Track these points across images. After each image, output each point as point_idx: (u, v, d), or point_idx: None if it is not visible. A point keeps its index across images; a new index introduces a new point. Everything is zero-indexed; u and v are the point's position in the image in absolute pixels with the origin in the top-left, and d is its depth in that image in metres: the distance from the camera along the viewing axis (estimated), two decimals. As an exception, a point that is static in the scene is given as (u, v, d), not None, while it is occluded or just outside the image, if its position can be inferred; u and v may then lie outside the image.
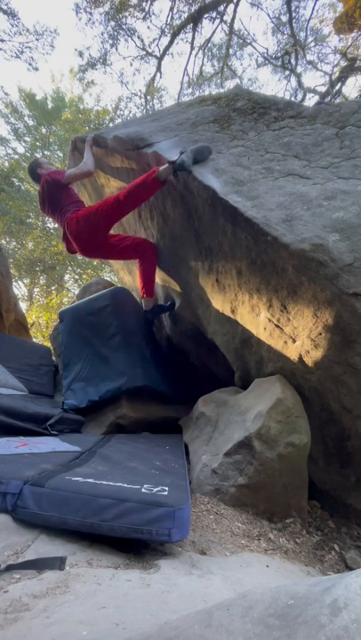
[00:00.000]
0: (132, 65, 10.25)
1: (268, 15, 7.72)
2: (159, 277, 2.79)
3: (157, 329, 3.29)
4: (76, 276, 11.92)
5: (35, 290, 12.49)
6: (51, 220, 2.71)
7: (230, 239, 1.73)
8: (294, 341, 1.61)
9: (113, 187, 2.85)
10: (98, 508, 0.97)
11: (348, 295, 1.33)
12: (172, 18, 7.18)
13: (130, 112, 11.04)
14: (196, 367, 3.04)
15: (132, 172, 2.42)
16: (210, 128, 2.13)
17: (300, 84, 7.90)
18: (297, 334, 1.58)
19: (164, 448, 1.88)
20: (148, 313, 2.80)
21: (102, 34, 7.54)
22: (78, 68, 8.82)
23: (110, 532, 0.95)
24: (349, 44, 6.74)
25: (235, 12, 6.93)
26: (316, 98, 7.59)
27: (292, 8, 6.90)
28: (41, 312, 10.29)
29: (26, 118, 12.29)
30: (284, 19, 7.55)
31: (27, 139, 12.47)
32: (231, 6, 6.88)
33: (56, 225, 2.48)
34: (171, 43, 7.27)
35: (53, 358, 3.55)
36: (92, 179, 3.11)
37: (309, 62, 8.22)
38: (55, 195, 2.49)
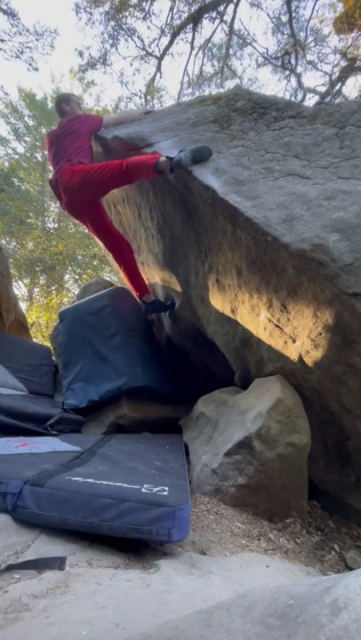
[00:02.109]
0: (132, 65, 10.23)
1: (268, 15, 7.72)
2: (159, 277, 2.79)
3: (157, 329, 3.29)
4: (76, 276, 11.92)
5: (35, 290, 12.50)
6: (49, 163, 2.54)
7: (230, 239, 1.73)
8: (294, 341, 1.61)
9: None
10: (98, 508, 0.97)
11: (348, 295, 1.33)
12: (172, 18, 7.18)
13: (130, 112, 11.01)
14: (196, 367, 3.04)
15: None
16: (210, 128, 2.13)
17: (300, 83, 7.90)
18: (297, 334, 1.58)
19: (164, 448, 1.88)
20: (148, 306, 2.76)
21: (102, 34, 7.54)
22: (78, 67, 8.81)
23: (110, 532, 0.95)
24: (349, 44, 6.74)
25: (235, 12, 6.93)
26: (316, 98, 7.59)
27: (292, 8, 6.90)
28: (41, 312, 10.29)
29: (26, 118, 12.31)
30: (284, 19, 7.54)
31: (27, 139, 12.48)
32: (231, 6, 6.89)
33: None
34: (171, 43, 7.27)
35: (53, 358, 3.55)
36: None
37: (309, 62, 8.22)
38: (69, 140, 2.39)
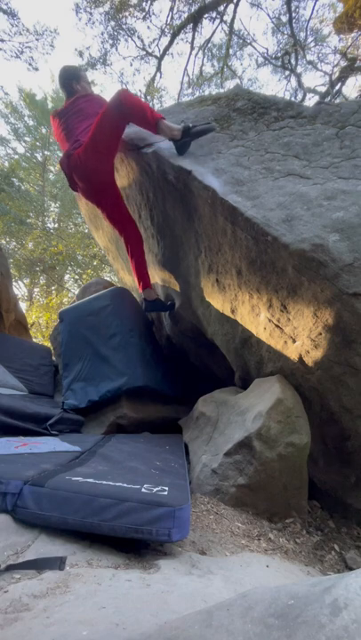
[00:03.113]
0: (132, 65, 10.24)
1: (268, 15, 7.72)
2: (159, 277, 2.79)
3: (157, 329, 3.29)
4: (76, 276, 11.92)
5: (35, 290, 12.50)
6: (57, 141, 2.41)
7: (230, 239, 1.73)
8: (294, 341, 1.61)
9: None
10: (98, 508, 0.97)
11: (348, 295, 1.33)
12: (172, 18, 7.18)
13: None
14: (196, 367, 3.04)
15: (132, 171, 2.42)
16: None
17: (300, 83, 7.90)
18: (297, 334, 1.58)
19: (164, 448, 1.88)
20: (149, 303, 2.66)
21: (102, 34, 7.54)
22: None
23: (110, 532, 0.95)
24: (349, 44, 6.74)
25: (235, 12, 6.93)
26: (316, 98, 7.59)
27: (292, 8, 6.90)
28: (41, 312, 10.30)
29: (26, 118, 12.30)
30: (284, 19, 7.54)
31: (27, 139, 12.48)
32: (231, 6, 6.88)
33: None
34: (171, 43, 7.27)
35: (53, 358, 3.55)
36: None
37: (309, 62, 8.22)
38: (76, 120, 2.26)
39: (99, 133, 2.04)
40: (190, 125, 1.91)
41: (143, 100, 2.30)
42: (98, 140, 2.05)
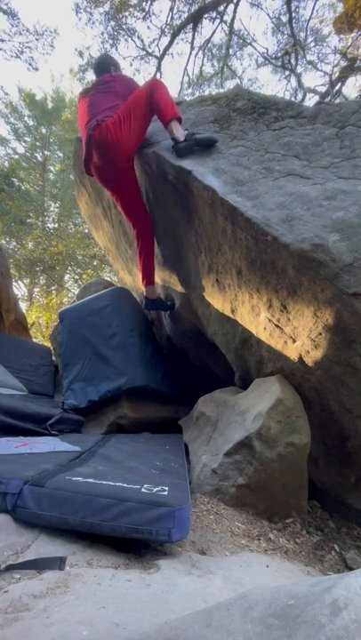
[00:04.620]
0: (132, 65, 10.22)
1: (268, 15, 7.71)
2: (159, 277, 2.79)
3: (157, 329, 3.29)
4: (76, 276, 11.92)
5: (35, 290, 12.50)
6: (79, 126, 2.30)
7: (230, 239, 1.73)
8: (294, 341, 1.61)
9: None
10: (98, 508, 0.97)
11: (348, 295, 1.33)
12: (172, 18, 7.17)
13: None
14: (196, 367, 3.04)
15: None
16: (210, 128, 2.13)
17: (300, 83, 7.89)
18: (297, 334, 1.58)
19: (164, 448, 1.88)
20: (149, 303, 2.62)
21: (102, 34, 7.53)
22: (78, 68, 8.81)
23: (110, 532, 0.95)
24: (349, 44, 6.73)
25: (235, 12, 6.93)
26: (316, 98, 7.58)
27: (292, 8, 6.89)
28: (41, 312, 10.30)
29: (26, 118, 12.31)
30: (284, 19, 7.54)
31: (27, 139, 12.48)
32: (231, 6, 6.88)
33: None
34: (171, 43, 7.26)
35: (53, 358, 3.55)
36: (91, 179, 3.11)
37: (309, 62, 8.22)
38: (103, 96, 2.22)
39: (132, 114, 2.05)
40: (194, 132, 1.96)
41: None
42: (131, 120, 2.05)
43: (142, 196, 2.41)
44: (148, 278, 2.55)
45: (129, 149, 2.12)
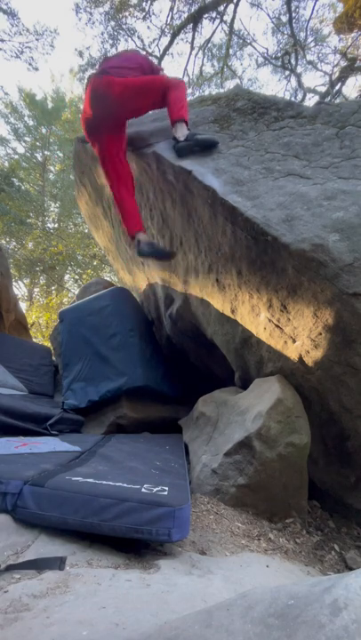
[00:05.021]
0: (132, 65, 10.19)
1: (268, 15, 7.72)
2: (159, 277, 2.79)
3: (157, 329, 3.29)
4: (76, 276, 11.92)
5: (35, 290, 12.50)
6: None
7: (230, 239, 1.73)
8: (294, 341, 1.61)
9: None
10: (98, 508, 0.97)
11: (348, 295, 1.33)
12: (172, 18, 7.18)
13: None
14: (196, 367, 3.04)
15: (132, 171, 2.41)
16: (210, 128, 2.13)
17: (300, 83, 7.90)
18: (297, 334, 1.58)
19: (164, 448, 1.88)
20: (144, 245, 2.17)
21: (102, 34, 7.53)
22: (78, 68, 8.82)
23: (110, 532, 0.95)
24: (349, 44, 6.74)
25: (235, 12, 6.93)
26: (316, 98, 7.58)
27: (292, 8, 6.89)
28: (41, 312, 10.29)
29: (26, 118, 12.30)
30: (284, 19, 7.54)
31: (27, 139, 12.48)
32: (231, 6, 6.88)
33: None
34: (171, 43, 7.26)
35: (53, 358, 3.55)
36: (92, 178, 3.11)
37: (309, 62, 8.22)
38: (120, 60, 2.21)
39: (141, 90, 2.05)
40: (196, 132, 1.97)
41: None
42: (137, 93, 2.04)
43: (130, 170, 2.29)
44: (137, 225, 2.23)
45: (119, 113, 2.07)
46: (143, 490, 1.08)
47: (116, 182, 2.24)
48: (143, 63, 2.29)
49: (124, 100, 2.03)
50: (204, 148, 1.94)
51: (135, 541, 1.00)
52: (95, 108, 2.06)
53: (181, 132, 1.98)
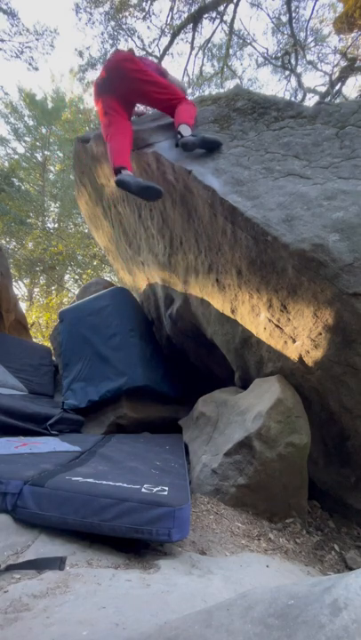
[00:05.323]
0: (132, 65, 10.18)
1: (268, 15, 7.71)
2: (159, 277, 2.79)
3: (157, 329, 3.29)
4: (76, 276, 11.92)
5: (35, 290, 12.49)
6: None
7: (230, 239, 1.73)
8: (294, 341, 1.61)
9: (113, 186, 2.85)
10: (98, 508, 0.97)
11: (348, 295, 1.33)
12: (172, 18, 7.17)
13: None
14: (196, 367, 3.04)
15: (132, 171, 2.41)
16: (210, 128, 2.13)
17: (300, 83, 7.89)
18: (297, 334, 1.58)
19: (164, 448, 1.88)
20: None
21: (102, 34, 7.54)
22: (78, 68, 8.80)
23: (110, 532, 0.95)
24: (349, 44, 6.73)
25: (235, 12, 6.92)
26: (316, 98, 7.58)
27: (292, 8, 6.89)
28: (41, 312, 10.29)
29: (26, 118, 12.29)
30: (284, 19, 7.54)
31: (27, 139, 12.47)
32: (231, 6, 6.88)
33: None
34: (171, 43, 7.26)
35: (53, 358, 3.55)
36: (92, 178, 3.11)
37: (309, 62, 8.22)
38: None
39: (160, 84, 2.18)
40: (202, 133, 1.98)
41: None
42: (153, 83, 2.16)
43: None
44: (127, 163, 2.06)
45: (128, 87, 2.18)
46: (143, 490, 1.08)
47: (113, 128, 2.18)
48: (162, 74, 2.42)
49: (135, 79, 2.14)
50: (209, 147, 1.93)
51: (135, 541, 1.00)
52: (109, 71, 2.18)
53: (186, 131, 1.98)
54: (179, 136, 1.98)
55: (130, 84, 2.16)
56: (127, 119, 2.26)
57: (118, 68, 2.15)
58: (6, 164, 11.21)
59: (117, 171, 2.04)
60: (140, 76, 2.15)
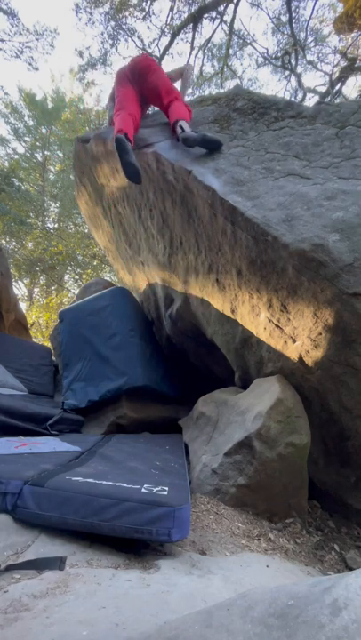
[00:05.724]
0: (132, 65, 10.17)
1: (268, 15, 7.70)
2: (159, 277, 2.79)
3: (157, 329, 3.29)
4: (76, 276, 11.91)
5: (35, 290, 12.49)
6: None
7: (230, 239, 1.73)
8: (294, 341, 1.60)
9: (113, 186, 2.85)
10: (98, 508, 0.97)
11: (348, 295, 1.33)
12: (172, 18, 7.17)
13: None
14: (196, 367, 3.04)
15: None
16: (210, 128, 2.13)
17: (300, 83, 7.89)
18: (297, 334, 1.58)
19: (164, 448, 1.88)
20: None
21: (102, 34, 7.52)
22: (78, 67, 8.80)
23: (110, 532, 0.95)
24: (349, 44, 6.73)
25: (235, 12, 6.92)
26: (316, 98, 7.57)
27: (292, 8, 6.88)
28: (41, 312, 10.29)
29: (26, 118, 12.29)
30: (284, 19, 7.53)
31: (27, 139, 12.46)
32: (231, 6, 6.87)
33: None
34: (171, 43, 7.25)
35: (53, 358, 3.55)
36: (92, 178, 3.11)
37: (309, 62, 8.21)
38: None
39: (166, 81, 2.42)
40: (202, 132, 2.00)
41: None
42: (161, 79, 2.42)
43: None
44: (130, 130, 2.13)
45: (144, 78, 2.45)
46: (143, 490, 1.08)
47: (133, 113, 2.31)
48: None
49: (150, 74, 2.43)
50: (209, 147, 1.93)
51: (135, 541, 1.00)
52: (131, 65, 2.52)
53: (186, 127, 2.00)
54: (180, 129, 1.98)
55: (144, 77, 2.44)
56: (139, 106, 2.46)
57: (137, 64, 2.50)
58: (6, 163, 11.21)
59: (118, 132, 2.15)
60: (152, 72, 2.44)
